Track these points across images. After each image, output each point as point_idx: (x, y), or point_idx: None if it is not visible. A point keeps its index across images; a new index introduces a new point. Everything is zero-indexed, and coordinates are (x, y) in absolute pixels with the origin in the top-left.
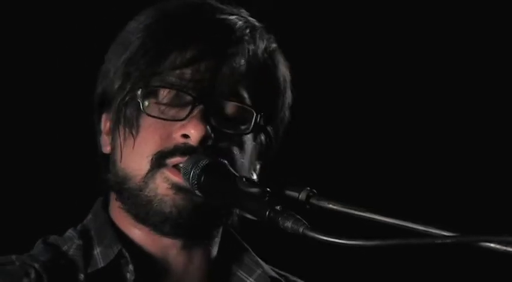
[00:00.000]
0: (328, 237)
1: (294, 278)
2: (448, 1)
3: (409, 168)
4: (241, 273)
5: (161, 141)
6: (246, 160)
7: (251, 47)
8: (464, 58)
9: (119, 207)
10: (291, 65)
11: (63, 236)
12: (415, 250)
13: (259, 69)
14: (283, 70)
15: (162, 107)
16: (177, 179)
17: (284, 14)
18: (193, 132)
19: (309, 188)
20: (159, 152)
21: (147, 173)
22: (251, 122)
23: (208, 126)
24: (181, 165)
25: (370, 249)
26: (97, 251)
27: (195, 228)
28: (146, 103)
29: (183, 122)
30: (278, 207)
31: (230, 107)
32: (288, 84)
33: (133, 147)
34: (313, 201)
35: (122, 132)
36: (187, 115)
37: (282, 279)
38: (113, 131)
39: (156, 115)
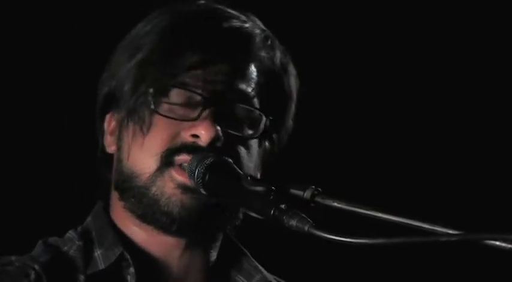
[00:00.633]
0: (333, 235)
1: None
2: (448, 1)
3: (413, 166)
4: (240, 278)
5: (170, 139)
6: (252, 165)
7: (266, 54)
8: (465, 56)
9: (121, 208)
10: (294, 63)
11: (63, 237)
12: (420, 248)
13: (272, 77)
14: (294, 80)
15: (173, 107)
16: (182, 178)
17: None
18: (204, 133)
19: (313, 187)
20: (167, 149)
21: (155, 171)
22: (259, 126)
23: (218, 128)
24: (185, 164)
25: (375, 248)
26: (98, 252)
27: (202, 227)
28: (158, 102)
29: (193, 123)
30: (283, 205)
31: (240, 111)
32: (296, 95)
33: (142, 145)
34: (318, 199)
35: (131, 131)
36: (198, 116)
37: None
38: (120, 130)
39: (167, 114)
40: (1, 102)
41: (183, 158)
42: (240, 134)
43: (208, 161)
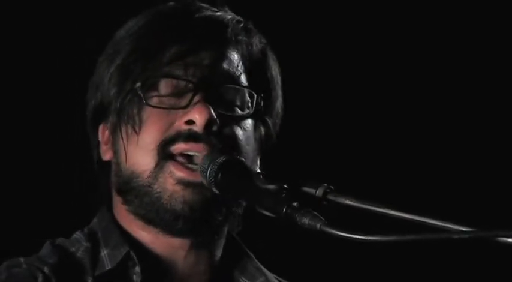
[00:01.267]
0: (346, 233)
1: None
2: (448, 1)
3: (425, 163)
4: (243, 280)
5: (164, 131)
6: (250, 147)
7: (245, 39)
8: (466, 52)
9: (125, 211)
10: (299, 61)
11: (70, 238)
12: (432, 246)
13: (254, 61)
14: (276, 65)
15: (163, 98)
16: (182, 174)
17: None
18: (198, 117)
19: (325, 184)
20: (162, 141)
21: (154, 168)
22: (252, 104)
23: (212, 110)
24: (197, 164)
25: (388, 245)
26: (104, 253)
27: (207, 223)
28: (148, 97)
29: (185, 110)
30: (295, 203)
31: (230, 92)
32: (280, 80)
33: (137, 143)
34: (330, 197)
35: (124, 132)
36: (190, 102)
37: None
38: (114, 135)
39: (157, 105)
40: (1, 102)
41: (179, 146)
42: (234, 114)
43: (220, 160)
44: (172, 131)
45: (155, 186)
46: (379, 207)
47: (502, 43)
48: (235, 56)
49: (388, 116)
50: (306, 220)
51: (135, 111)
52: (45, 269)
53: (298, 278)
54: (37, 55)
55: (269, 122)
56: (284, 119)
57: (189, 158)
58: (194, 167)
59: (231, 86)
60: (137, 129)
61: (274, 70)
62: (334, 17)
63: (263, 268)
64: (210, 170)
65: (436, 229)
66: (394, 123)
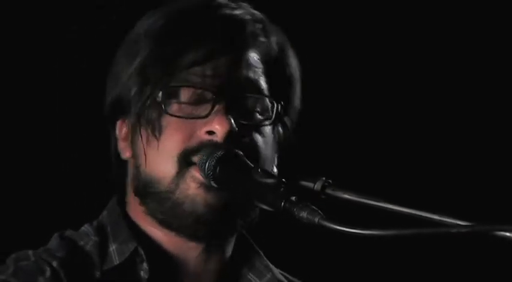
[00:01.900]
0: (344, 227)
1: None
2: (448, 1)
3: (423, 158)
4: (251, 276)
5: (185, 140)
6: (269, 152)
7: (264, 39)
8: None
9: (142, 213)
10: (305, 59)
11: (78, 231)
12: (430, 240)
13: (274, 60)
14: (295, 61)
15: (183, 106)
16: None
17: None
18: (218, 127)
19: (324, 178)
20: (184, 150)
21: (176, 174)
22: (272, 112)
23: (232, 121)
24: (195, 158)
25: (386, 239)
26: (113, 247)
27: (226, 226)
28: (167, 104)
29: (206, 119)
30: (293, 197)
31: (250, 100)
32: (299, 74)
33: (157, 149)
34: (329, 191)
35: (144, 136)
36: (210, 112)
37: None
38: (133, 136)
39: (178, 114)
40: (1, 102)
41: (201, 156)
42: (253, 123)
43: (218, 154)
44: (194, 142)
45: (177, 193)
46: (378, 201)
47: (502, 43)
48: (254, 59)
49: (386, 110)
50: (304, 214)
51: (155, 116)
52: (54, 263)
53: (298, 273)
54: (37, 55)
55: (288, 123)
56: None
57: None
58: None
59: (251, 95)
60: (157, 135)
61: (293, 67)
62: (334, 16)
63: (271, 265)
64: (208, 163)
65: (434, 223)
66: (393, 118)
